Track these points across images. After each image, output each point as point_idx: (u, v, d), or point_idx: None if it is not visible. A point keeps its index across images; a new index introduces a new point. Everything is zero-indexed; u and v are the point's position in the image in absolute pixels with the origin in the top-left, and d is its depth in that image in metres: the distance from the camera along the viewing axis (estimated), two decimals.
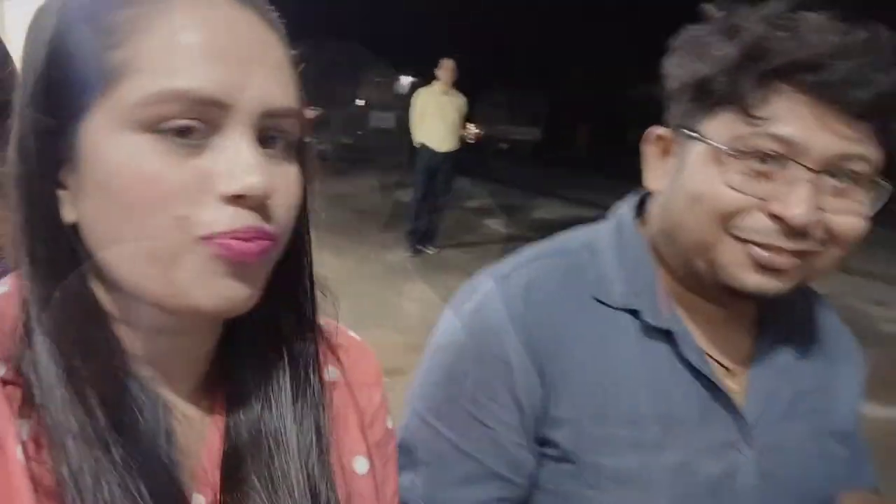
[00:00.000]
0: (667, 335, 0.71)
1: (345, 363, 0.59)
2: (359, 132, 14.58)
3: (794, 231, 0.62)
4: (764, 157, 0.62)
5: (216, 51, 0.42)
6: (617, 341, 0.72)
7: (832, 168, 0.62)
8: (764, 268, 0.63)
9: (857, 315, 5.15)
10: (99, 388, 0.42)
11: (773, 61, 0.61)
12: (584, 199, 9.55)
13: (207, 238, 0.42)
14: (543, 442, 0.71)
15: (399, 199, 9.20)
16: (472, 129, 6.13)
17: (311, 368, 0.53)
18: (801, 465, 0.72)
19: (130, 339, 0.46)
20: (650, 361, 0.71)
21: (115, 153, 0.41)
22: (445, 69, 5.91)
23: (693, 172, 0.67)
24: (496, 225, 7.66)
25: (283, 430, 0.51)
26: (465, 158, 6.38)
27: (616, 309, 0.72)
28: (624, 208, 0.80)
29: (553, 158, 14.01)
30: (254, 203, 0.42)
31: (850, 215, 0.63)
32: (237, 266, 0.43)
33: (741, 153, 0.63)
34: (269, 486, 0.49)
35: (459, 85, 6.00)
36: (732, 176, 0.63)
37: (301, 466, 0.50)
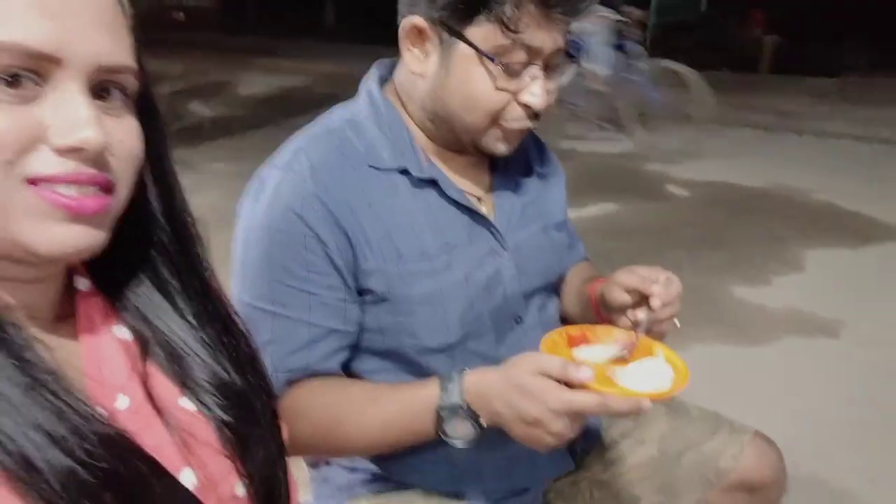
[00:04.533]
0: (432, 183, 0.89)
1: None
2: None
3: (536, 113, 0.85)
4: (516, 65, 0.82)
5: (48, 6, 0.43)
6: (396, 196, 0.87)
7: (549, 60, 0.83)
8: (510, 140, 0.88)
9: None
10: None
11: None
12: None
13: (37, 181, 0.43)
14: (361, 291, 0.87)
15: None
16: None
17: (193, 285, 0.58)
18: (539, 254, 0.99)
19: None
20: (424, 206, 0.89)
21: None
22: None
23: (464, 74, 0.83)
24: (202, 108, 7.05)
25: (182, 339, 0.56)
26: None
27: (388, 170, 0.88)
28: (371, 83, 0.93)
29: (232, 25, 13.02)
30: (90, 156, 0.44)
31: (555, 91, 0.88)
32: (74, 214, 0.45)
33: (505, 65, 0.80)
34: (181, 379, 0.54)
35: None
36: (498, 80, 0.82)
37: (209, 369, 0.55)
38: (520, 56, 0.81)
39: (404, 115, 0.91)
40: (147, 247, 0.56)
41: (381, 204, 0.86)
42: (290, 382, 0.85)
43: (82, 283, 0.55)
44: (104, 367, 0.52)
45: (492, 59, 0.80)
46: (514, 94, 0.84)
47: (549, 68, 0.84)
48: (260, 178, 0.88)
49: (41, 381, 0.43)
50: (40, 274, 0.49)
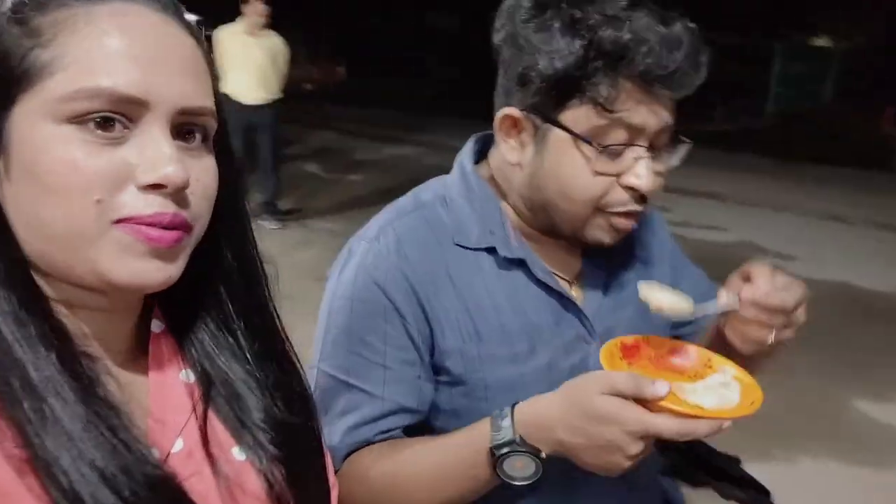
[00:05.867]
0: (520, 263, 0.85)
1: None
2: None
3: (643, 196, 0.79)
4: (617, 147, 0.77)
5: (135, 53, 0.46)
6: (481, 276, 0.85)
7: (655, 139, 0.78)
8: (618, 232, 0.82)
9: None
10: (45, 370, 0.44)
11: (624, 66, 0.72)
12: (412, 140, 9.68)
13: (123, 221, 0.46)
14: (437, 370, 0.84)
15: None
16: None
17: (259, 326, 0.60)
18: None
19: (70, 319, 0.49)
20: (510, 287, 0.85)
21: (40, 141, 0.45)
22: (253, 6, 4.91)
23: (559, 161, 0.79)
24: (318, 170, 7.48)
25: (241, 379, 0.58)
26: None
27: (475, 249, 0.85)
28: (465, 158, 0.91)
29: (363, 98, 13.85)
30: (171, 191, 0.47)
31: (664, 175, 0.81)
32: (152, 249, 0.47)
33: (603, 147, 0.76)
34: (236, 422, 0.56)
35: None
36: (596, 164, 0.77)
37: (263, 408, 0.57)
38: (620, 136, 0.76)
39: (497, 193, 0.88)
40: (215, 283, 0.58)
41: (463, 282, 0.83)
42: (351, 452, 0.83)
43: (156, 325, 0.57)
44: (168, 408, 0.54)
45: (588, 142, 0.76)
46: (617, 176, 0.78)
47: (655, 148, 0.79)
48: (349, 249, 0.88)
49: (102, 417, 0.45)
50: (113, 304, 0.51)
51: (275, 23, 5.00)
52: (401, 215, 0.87)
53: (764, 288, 0.74)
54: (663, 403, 0.65)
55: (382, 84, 15.10)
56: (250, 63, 4.98)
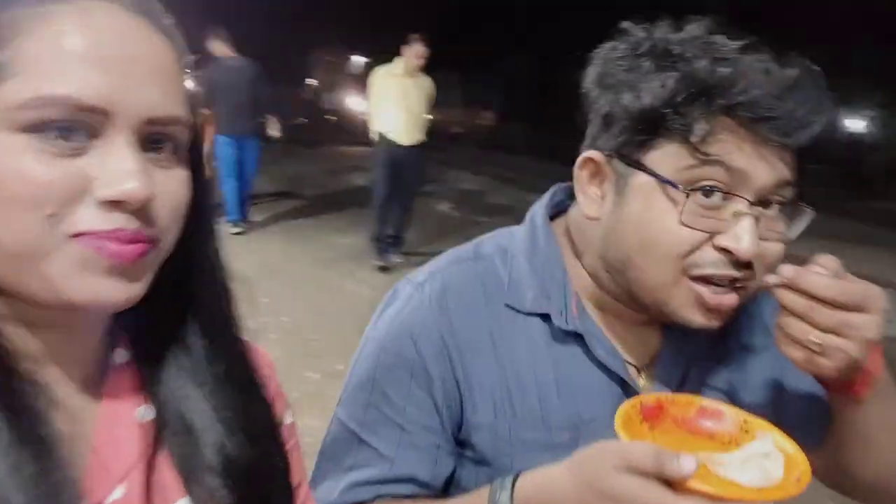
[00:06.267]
0: (577, 337, 0.73)
1: None
2: (309, 114, 14.30)
3: (742, 263, 0.64)
4: (710, 191, 0.64)
5: (98, 57, 0.42)
6: (529, 346, 0.73)
7: (766, 197, 0.65)
8: (710, 310, 0.66)
9: None
10: None
11: (721, 99, 0.62)
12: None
13: (79, 235, 0.43)
14: (463, 444, 0.74)
15: (353, 182, 9.10)
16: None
17: (223, 352, 0.55)
18: None
19: (20, 337, 0.47)
20: (561, 364, 0.73)
21: None
22: (414, 49, 4.86)
23: (640, 209, 0.67)
24: (450, 210, 7.63)
25: (200, 410, 0.52)
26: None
27: (527, 314, 0.74)
28: (538, 210, 0.80)
29: (510, 144, 14.03)
30: (132, 208, 0.43)
31: (778, 242, 0.67)
32: (114, 265, 0.44)
33: (691, 189, 0.64)
34: (188, 466, 0.51)
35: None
36: (685, 213, 0.64)
37: (218, 445, 0.52)
38: (719, 179, 0.63)
39: (568, 252, 0.77)
40: (183, 303, 0.53)
41: (507, 349, 0.73)
42: None
43: (120, 355, 0.53)
44: (114, 450, 0.49)
45: (673, 185, 0.64)
46: (710, 236, 0.64)
47: (766, 206, 0.65)
48: (395, 290, 0.80)
49: (34, 459, 0.42)
50: (71, 323, 0.48)
51: (429, 65, 5.09)
52: (453, 263, 0.78)
53: (824, 273, 0.60)
54: (691, 483, 0.54)
55: (530, 133, 15.23)
56: (407, 104, 4.99)
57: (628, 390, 0.72)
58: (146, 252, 0.45)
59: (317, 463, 0.76)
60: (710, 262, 0.65)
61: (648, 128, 0.65)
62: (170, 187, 0.46)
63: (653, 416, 0.67)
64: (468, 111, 17.34)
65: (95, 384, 0.51)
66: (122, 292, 0.45)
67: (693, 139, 0.62)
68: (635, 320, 0.75)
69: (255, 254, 5.35)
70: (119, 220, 0.43)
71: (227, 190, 5.82)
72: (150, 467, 0.49)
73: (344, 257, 5.43)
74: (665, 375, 0.75)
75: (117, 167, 0.42)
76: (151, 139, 0.45)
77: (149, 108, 0.44)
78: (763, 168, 0.63)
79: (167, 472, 0.50)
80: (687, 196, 0.63)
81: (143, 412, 0.51)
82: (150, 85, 0.44)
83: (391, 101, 4.94)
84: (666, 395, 0.69)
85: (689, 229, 0.64)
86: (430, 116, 5.21)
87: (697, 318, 0.67)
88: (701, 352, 0.76)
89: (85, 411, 0.49)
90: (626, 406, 0.65)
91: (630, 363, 0.75)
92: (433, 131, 5.38)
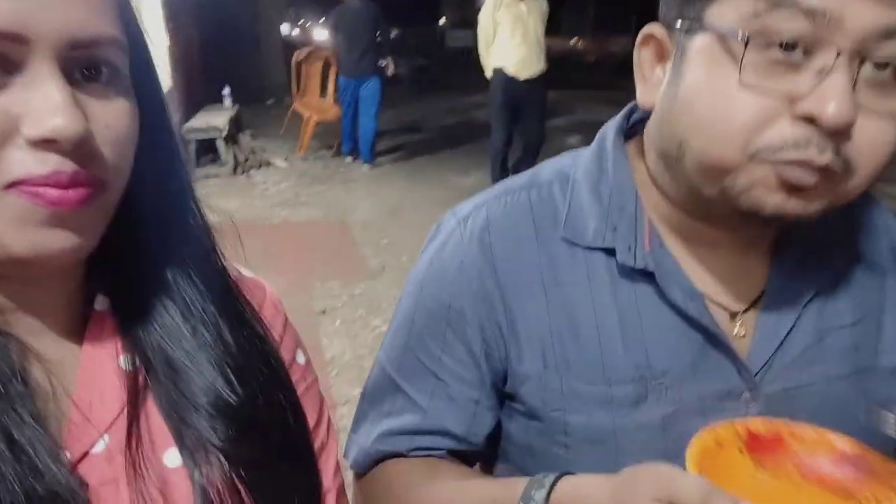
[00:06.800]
0: (650, 275, 0.61)
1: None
2: (435, 53, 14.21)
3: (830, 134, 0.48)
4: (786, 43, 0.48)
5: None
6: (590, 285, 0.63)
7: (871, 49, 0.48)
8: (791, 187, 0.51)
9: None
10: None
11: None
12: None
13: (15, 184, 0.39)
14: (510, 397, 0.66)
15: (474, 118, 9.01)
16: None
17: (212, 293, 0.51)
18: (826, 413, 0.60)
19: None
20: (629, 307, 0.62)
21: None
22: None
23: (696, 76, 0.53)
24: (579, 144, 7.34)
25: (190, 356, 0.49)
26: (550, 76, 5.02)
27: (589, 248, 0.63)
28: (610, 127, 0.68)
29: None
30: (67, 147, 0.39)
31: (892, 121, 0.50)
32: (55, 215, 0.40)
33: (757, 39, 0.49)
34: (175, 411, 0.48)
35: None
36: (748, 73, 0.49)
37: (207, 387, 0.49)
38: (796, 27, 0.48)
39: (643, 176, 0.64)
40: (157, 244, 0.49)
41: (561, 290, 0.63)
42: (381, 458, 0.71)
43: (100, 302, 0.50)
44: (96, 400, 0.47)
45: (734, 37, 0.50)
46: (790, 100, 0.49)
47: (867, 62, 0.48)
48: (438, 223, 0.72)
49: (10, 413, 0.40)
50: (31, 272, 0.44)
51: None
52: (504, 193, 0.68)
53: None
54: None
55: None
56: (523, 32, 4.55)
57: (713, 339, 0.61)
58: (90, 197, 0.41)
59: (359, 404, 0.74)
60: (790, 141, 0.49)
61: None
62: (110, 120, 0.41)
63: (764, 449, 0.53)
64: (599, 36, 16.34)
65: (75, 334, 0.48)
66: (69, 243, 0.41)
67: None
68: (733, 247, 0.62)
69: (376, 195, 5.51)
70: (54, 162, 0.39)
71: (344, 126, 6.32)
72: (136, 416, 0.47)
73: (463, 197, 5.35)
74: (772, 320, 0.62)
75: (42, 102, 0.38)
76: (82, 66, 0.40)
77: (71, 30, 0.39)
78: (861, 6, 0.46)
79: (155, 421, 0.48)
80: (746, 45, 0.49)
81: (127, 359, 0.49)
82: (71, 2, 0.39)
83: (504, 30, 4.54)
84: (788, 425, 0.54)
85: (755, 93, 0.49)
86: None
87: (774, 200, 0.52)
88: (820, 290, 0.63)
89: (65, 362, 0.47)
90: (721, 429, 0.53)
91: (722, 305, 0.63)
92: (562, 58, 4.91)
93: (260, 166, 6.26)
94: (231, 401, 0.49)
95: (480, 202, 0.69)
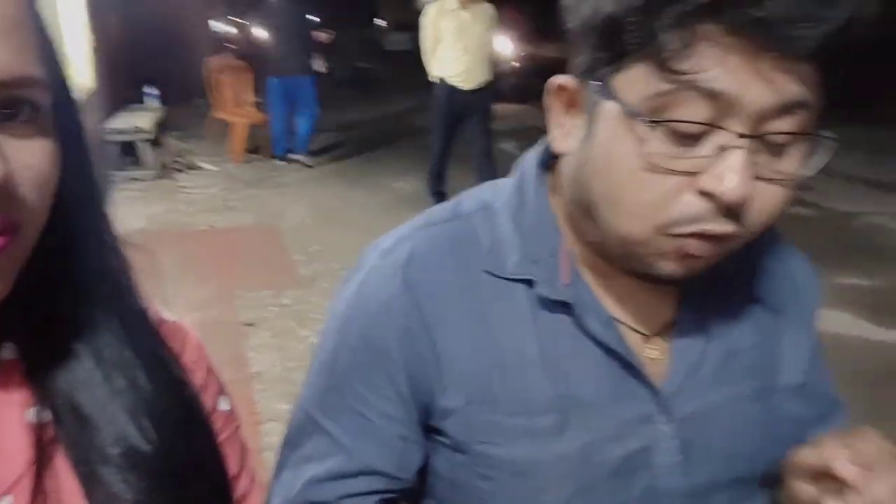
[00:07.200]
0: (568, 307, 0.63)
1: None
2: (373, 55, 14.08)
3: (726, 209, 0.51)
4: (687, 125, 0.50)
5: None
6: (512, 317, 0.64)
7: (767, 125, 0.50)
8: (686, 258, 0.55)
9: (878, 230, 4.86)
10: None
11: None
12: None
13: None
14: (434, 430, 0.66)
15: (413, 122, 8.94)
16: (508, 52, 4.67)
17: (129, 341, 0.50)
18: (735, 432, 0.65)
19: None
20: (548, 338, 0.63)
21: None
22: None
23: (605, 147, 0.54)
24: (514, 150, 7.35)
25: (94, 402, 0.48)
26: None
27: (510, 280, 0.64)
28: (530, 159, 0.68)
29: None
30: None
31: (780, 186, 0.53)
32: None
33: (659, 119, 0.50)
34: (85, 465, 0.47)
35: None
36: (652, 153, 0.51)
37: (117, 436, 0.48)
38: (694, 111, 0.49)
39: (563, 208, 0.65)
40: (72, 287, 0.48)
41: (485, 325, 0.63)
42: None
43: (8, 350, 0.47)
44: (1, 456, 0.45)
45: (638, 115, 0.51)
46: (691, 174, 0.51)
47: (765, 139, 0.51)
48: (360, 258, 0.71)
49: None
50: None
51: None
52: (426, 226, 0.68)
53: (859, 479, 0.53)
54: None
55: None
56: (469, 41, 4.38)
57: (629, 367, 0.62)
58: (6, 244, 0.40)
59: (280, 450, 0.71)
60: (692, 215, 0.52)
61: (612, 43, 0.52)
62: (30, 160, 0.41)
63: None
64: (548, 43, 16.57)
65: None
66: None
67: (664, 55, 0.48)
68: (644, 283, 0.64)
69: (310, 200, 5.36)
70: None
71: (274, 128, 6.23)
72: (43, 474, 0.45)
73: (400, 202, 5.33)
74: (684, 345, 0.64)
75: None
76: (5, 104, 0.40)
77: None
78: (758, 88, 0.48)
79: (65, 478, 0.46)
80: (650, 128, 0.50)
81: (35, 411, 0.47)
82: None
83: (447, 39, 4.37)
84: None
85: (658, 173, 0.51)
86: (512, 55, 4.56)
87: (669, 267, 0.56)
88: (724, 317, 0.66)
89: None
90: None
91: (637, 331, 0.65)
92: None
93: (187, 169, 6.00)
94: (145, 450, 0.48)
95: (403, 235, 0.69)
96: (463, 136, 4.70)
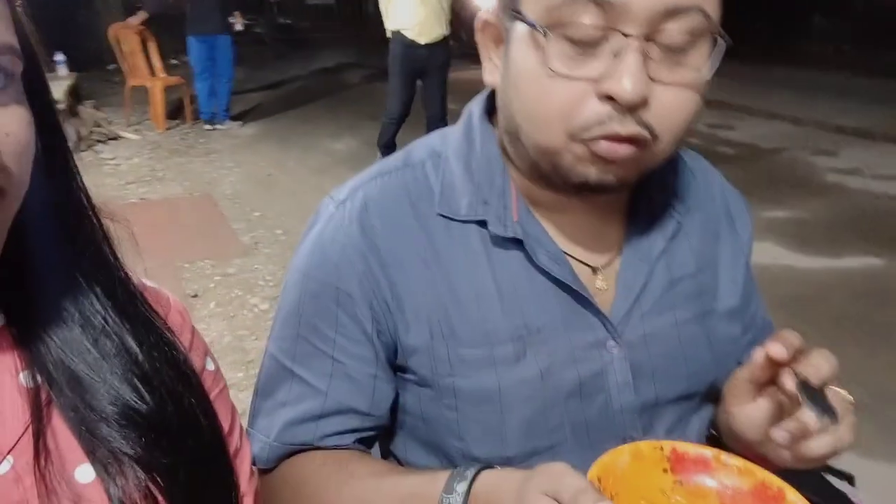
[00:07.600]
0: (520, 243, 0.67)
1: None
2: (295, 11, 13.55)
3: (629, 108, 0.55)
4: (582, 31, 0.55)
5: None
6: (467, 256, 0.68)
7: (657, 29, 0.54)
8: (602, 159, 0.58)
9: (802, 165, 5.12)
10: None
11: None
12: None
13: None
14: (401, 368, 0.70)
15: (343, 80, 8.73)
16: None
17: (113, 302, 0.51)
18: (679, 353, 0.71)
19: None
20: (503, 273, 0.67)
21: None
22: None
23: (518, 64, 0.59)
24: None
25: (86, 364, 0.49)
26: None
27: (463, 222, 0.68)
28: (476, 104, 0.73)
29: None
30: None
31: (684, 89, 0.57)
32: None
33: (557, 30, 0.55)
34: (83, 425, 0.48)
35: None
36: (553, 62, 0.56)
37: (112, 396, 0.49)
38: (586, 18, 0.54)
39: (505, 146, 0.69)
40: (53, 255, 0.49)
41: (442, 264, 0.67)
42: (291, 453, 0.71)
43: None
44: None
45: (535, 27, 0.56)
46: (593, 82, 0.56)
47: (658, 42, 0.55)
48: (317, 209, 0.74)
49: None
50: None
51: None
52: (378, 175, 0.71)
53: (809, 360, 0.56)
54: None
55: None
56: None
57: (579, 297, 0.67)
58: None
59: (252, 401, 0.73)
60: (597, 118, 0.56)
61: None
62: (10, 127, 0.41)
63: (688, 469, 0.56)
64: None
65: None
66: None
67: None
68: (587, 216, 0.69)
69: (244, 165, 5.20)
70: None
71: (199, 90, 6.05)
72: (42, 434, 0.46)
73: (339, 163, 5.24)
74: (630, 274, 0.70)
75: None
76: None
77: None
78: None
79: (63, 438, 0.48)
80: (545, 36, 0.55)
81: (28, 376, 0.48)
82: None
83: None
84: (719, 454, 0.58)
85: (563, 80, 0.56)
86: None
87: (593, 172, 0.59)
88: (666, 249, 0.71)
89: None
90: (647, 445, 0.57)
91: (585, 264, 0.70)
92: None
93: (107, 140, 5.70)
94: (140, 409, 0.49)
95: (357, 184, 0.71)
96: (422, 94, 4.57)
